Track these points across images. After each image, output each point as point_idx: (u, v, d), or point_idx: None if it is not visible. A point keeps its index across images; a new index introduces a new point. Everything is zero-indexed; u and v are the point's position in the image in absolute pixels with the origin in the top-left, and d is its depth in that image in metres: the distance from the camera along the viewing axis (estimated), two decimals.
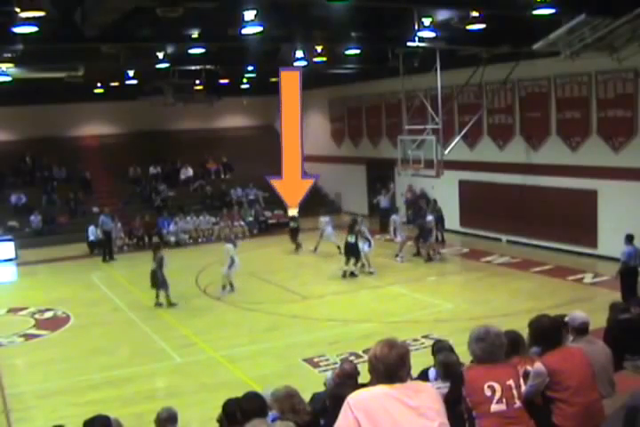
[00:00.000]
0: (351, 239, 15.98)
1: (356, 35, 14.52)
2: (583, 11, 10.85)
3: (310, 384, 7.04)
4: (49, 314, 14.13)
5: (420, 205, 20.39)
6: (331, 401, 5.21)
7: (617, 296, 11.61)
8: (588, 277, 15.03)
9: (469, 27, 12.56)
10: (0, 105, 23.31)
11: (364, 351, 10.16)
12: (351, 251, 16.04)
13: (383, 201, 22.79)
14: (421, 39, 13.38)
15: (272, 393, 5.28)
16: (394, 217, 17.95)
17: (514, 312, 11.74)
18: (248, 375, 9.96)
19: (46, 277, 17.07)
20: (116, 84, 22.20)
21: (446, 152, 17.17)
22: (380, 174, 24.59)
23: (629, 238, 12.51)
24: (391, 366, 3.06)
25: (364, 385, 5.54)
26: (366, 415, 2.91)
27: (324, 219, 19.57)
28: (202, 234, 22.70)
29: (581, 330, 5.37)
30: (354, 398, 3.01)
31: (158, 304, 14.26)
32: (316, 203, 27.10)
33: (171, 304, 14.22)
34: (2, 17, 9.36)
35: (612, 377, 5.22)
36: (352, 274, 16.05)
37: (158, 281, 14.14)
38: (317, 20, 12.90)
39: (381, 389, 3.04)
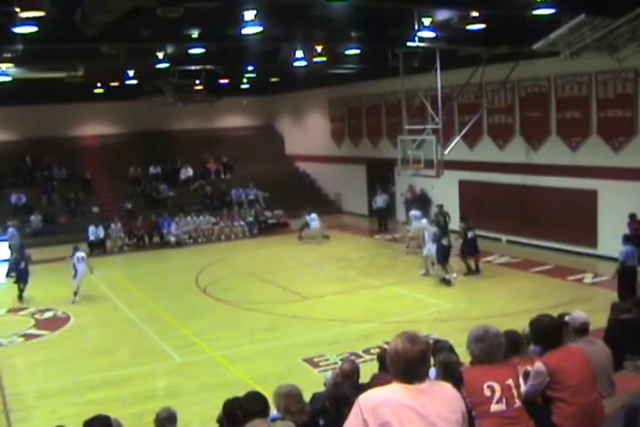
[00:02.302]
0: (446, 242, 15.19)
1: (355, 35, 14.51)
2: (583, 11, 10.85)
3: (310, 384, 7.03)
4: (49, 314, 14.13)
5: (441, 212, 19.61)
6: (331, 401, 5.20)
7: (617, 296, 11.61)
8: (588, 278, 15.02)
9: (469, 27, 12.55)
10: (0, 105, 23.34)
11: (364, 351, 10.19)
12: (448, 254, 15.28)
13: (379, 201, 22.86)
14: (421, 39, 13.36)
15: (276, 390, 5.28)
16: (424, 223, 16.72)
17: (514, 312, 11.75)
18: (248, 375, 9.95)
19: (46, 277, 17.05)
20: (116, 84, 22.21)
21: (446, 152, 17.16)
22: (380, 174, 24.60)
23: (626, 238, 12.54)
24: (412, 362, 2.96)
25: (364, 385, 5.55)
26: (375, 420, 2.87)
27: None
28: (202, 234, 22.69)
29: (581, 330, 5.37)
30: (365, 401, 2.95)
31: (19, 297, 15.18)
32: (316, 203, 27.20)
33: (20, 298, 15.12)
34: (2, 17, 9.35)
35: (612, 377, 5.22)
36: (449, 281, 15.00)
37: (18, 275, 15.33)
38: (317, 20, 12.90)
39: (394, 392, 2.96)
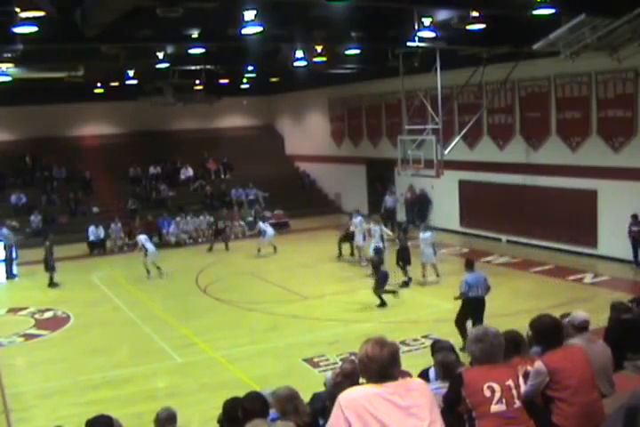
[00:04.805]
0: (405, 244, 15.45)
1: (355, 35, 14.49)
2: (583, 11, 10.85)
3: (310, 384, 7.03)
4: (49, 314, 14.15)
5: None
6: (331, 401, 5.19)
7: (617, 296, 11.56)
8: (588, 278, 15.03)
9: (469, 27, 12.55)
10: (0, 105, 23.33)
11: None
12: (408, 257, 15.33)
13: (389, 201, 22.83)
14: (421, 39, 13.35)
15: (274, 393, 5.28)
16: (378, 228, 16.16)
17: (514, 312, 11.73)
18: (248, 375, 9.96)
19: (46, 277, 17.05)
20: (116, 84, 22.20)
21: (446, 152, 17.15)
22: (380, 174, 24.61)
23: (470, 265, 10.82)
24: (384, 364, 3.06)
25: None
26: (357, 416, 2.93)
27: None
28: (202, 234, 22.67)
29: (581, 328, 5.44)
30: (344, 399, 3.01)
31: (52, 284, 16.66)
32: (316, 203, 27.22)
33: (53, 284, 16.63)
34: (2, 17, 9.35)
35: (611, 376, 5.24)
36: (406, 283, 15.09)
37: (47, 265, 16.60)
38: (317, 20, 12.90)
39: (372, 388, 3.05)
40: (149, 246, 17.18)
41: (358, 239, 17.57)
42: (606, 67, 14.96)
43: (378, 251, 14.83)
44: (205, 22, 12.61)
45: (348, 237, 18.01)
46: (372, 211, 24.36)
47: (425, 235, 15.32)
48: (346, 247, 18.32)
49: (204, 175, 27.51)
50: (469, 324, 10.12)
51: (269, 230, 19.64)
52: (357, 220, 17.65)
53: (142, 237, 17.42)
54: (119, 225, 21.68)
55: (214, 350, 11.36)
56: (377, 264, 13.98)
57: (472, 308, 10.38)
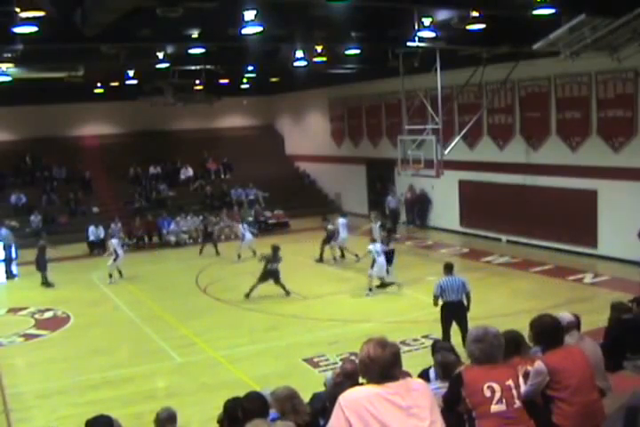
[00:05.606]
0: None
1: (355, 35, 14.48)
2: (583, 11, 10.85)
3: (310, 384, 7.04)
4: (49, 314, 14.14)
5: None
6: (331, 401, 5.20)
7: (617, 296, 11.56)
8: (588, 278, 15.03)
9: (469, 27, 12.55)
10: (0, 105, 23.34)
11: None
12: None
13: (392, 202, 22.83)
14: (421, 39, 13.34)
15: (272, 393, 5.28)
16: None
17: (514, 312, 11.75)
18: (248, 375, 9.96)
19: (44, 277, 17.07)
20: (116, 84, 22.20)
21: (446, 152, 17.15)
22: (380, 174, 24.61)
23: (448, 268, 10.58)
24: (386, 365, 3.07)
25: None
26: (358, 416, 2.93)
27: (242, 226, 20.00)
28: (202, 234, 22.62)
29: (569, 328, 5.56)
30: (345, 399, 3.02)
31: (46, 284, 16.74)
32: (316, 203, 27.21)
33: (48, 284, 16.71)
34: (2, 17, 9.34)
35: (603, 371, 5.29)
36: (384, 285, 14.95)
37: (39, 265, 16.65)
38: (317, 20, 12.89)
39: (373, 389, 3.05)
40: (120, 252, 17.12)
41: (339, 240, 17.93)
42: (606, 67, 14.96)
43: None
44: (205, 22, 12.59)
45: (328, 239, 18.33)
46: (372, 211, 24.42)
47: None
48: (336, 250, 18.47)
49: (204, 175, 27.51)
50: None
51: (248, 235, 19.44)
52: (340, 221, 18.09)
53: (115, 242, 17.33)
54: (119, 225, 21.66)
55: (214, 350, 11.36)
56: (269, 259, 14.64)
57: (447, 313, 10.30)
